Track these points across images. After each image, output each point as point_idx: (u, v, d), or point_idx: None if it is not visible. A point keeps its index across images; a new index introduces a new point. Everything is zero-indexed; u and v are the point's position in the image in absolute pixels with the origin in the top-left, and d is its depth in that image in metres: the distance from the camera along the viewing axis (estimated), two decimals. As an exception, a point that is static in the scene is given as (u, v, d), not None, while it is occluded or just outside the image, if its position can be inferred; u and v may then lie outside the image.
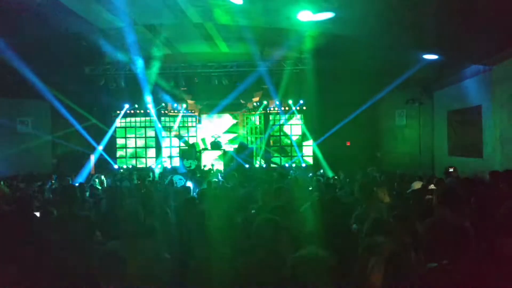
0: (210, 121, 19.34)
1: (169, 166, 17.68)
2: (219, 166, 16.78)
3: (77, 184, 9.49)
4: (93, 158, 17.02)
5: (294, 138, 18.60)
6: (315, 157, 17.78)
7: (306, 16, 8.80)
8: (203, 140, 19.10)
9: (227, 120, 19.43)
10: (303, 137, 18.39)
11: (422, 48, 10.61)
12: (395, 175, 11.42)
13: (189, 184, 10.19)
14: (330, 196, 4.96)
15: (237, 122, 19.45)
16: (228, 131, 19.34)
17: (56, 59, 13.02)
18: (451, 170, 10.36)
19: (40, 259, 3.33)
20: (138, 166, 18.32)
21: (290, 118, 18.50)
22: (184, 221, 4.32)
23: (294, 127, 18.68)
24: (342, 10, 8.44)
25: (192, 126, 19.28)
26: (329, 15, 8.60)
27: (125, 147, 18.93)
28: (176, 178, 12.95)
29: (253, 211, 5.15)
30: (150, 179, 12.69)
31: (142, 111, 18.28)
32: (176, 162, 18.05)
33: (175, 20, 11.43)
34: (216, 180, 10.84)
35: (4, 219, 4.36)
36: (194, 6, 10.14)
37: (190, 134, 19.25)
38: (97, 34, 12.06)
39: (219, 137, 18.62)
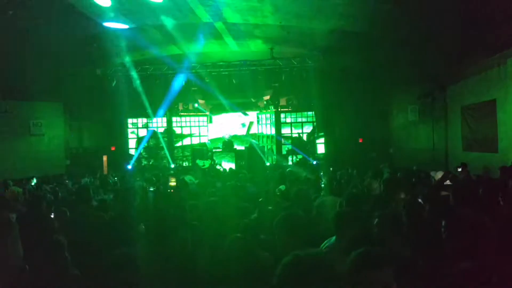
0: (222, 119, 19.39)
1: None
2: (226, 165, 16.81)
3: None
4: (105, 159, 17.15)
5: (305, 135, 18.52)
6: (326, 154, 17.71)
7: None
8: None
9: (240, 119, 19.49)
10: (315, 135, 18.30)
11: (435, 40, 10.49)
12: (412, 171, 11.20)
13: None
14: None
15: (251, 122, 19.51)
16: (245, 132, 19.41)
17: (68, 61, 13.13)
18: (459, 170, 10.24)
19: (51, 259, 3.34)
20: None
21: (301, 116, 18.44)
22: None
23: (306, 125, 18.61)
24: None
25: (204, 126, 19.35)
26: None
27: (138, 146, 19.04)
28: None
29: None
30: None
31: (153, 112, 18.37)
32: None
33: (185, 20, 11.45)
34: None
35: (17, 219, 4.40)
36: (203, 5, 10.15)
37: (201, 134, 19.35)
38: (108, 36, 12.13)
39: (230, 137, 18.65)
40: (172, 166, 17.60)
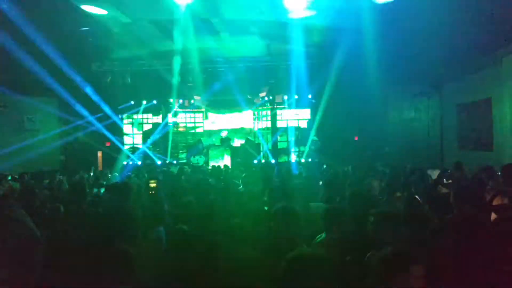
0: (219, 116, 19.33)
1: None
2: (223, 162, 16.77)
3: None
4: (100, 154, 17.08)
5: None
6: (321, 151, 17.71)
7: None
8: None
9: (236, 115, 19.41)
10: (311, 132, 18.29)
11: (432, 40, 10.49)
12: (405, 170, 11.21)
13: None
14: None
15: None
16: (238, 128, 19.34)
17: (63, 56, 13.02)
18: (449, 171, 10.17)
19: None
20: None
21: (297, 114, 18.44)
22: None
23: (302, 122, 18.59)
24: None
25: (199, 122, 19.28)
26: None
27: (132, 143, 18.97)
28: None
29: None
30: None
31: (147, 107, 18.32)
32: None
33: (181, 15, 11.38)
34: None
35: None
36: (200, 0, 10.10)
37: (197, 130, 19.30)
38: (103, 31, 12.04)
39: (229, 131, 18.63)
40: (159, 162, 17.53)
